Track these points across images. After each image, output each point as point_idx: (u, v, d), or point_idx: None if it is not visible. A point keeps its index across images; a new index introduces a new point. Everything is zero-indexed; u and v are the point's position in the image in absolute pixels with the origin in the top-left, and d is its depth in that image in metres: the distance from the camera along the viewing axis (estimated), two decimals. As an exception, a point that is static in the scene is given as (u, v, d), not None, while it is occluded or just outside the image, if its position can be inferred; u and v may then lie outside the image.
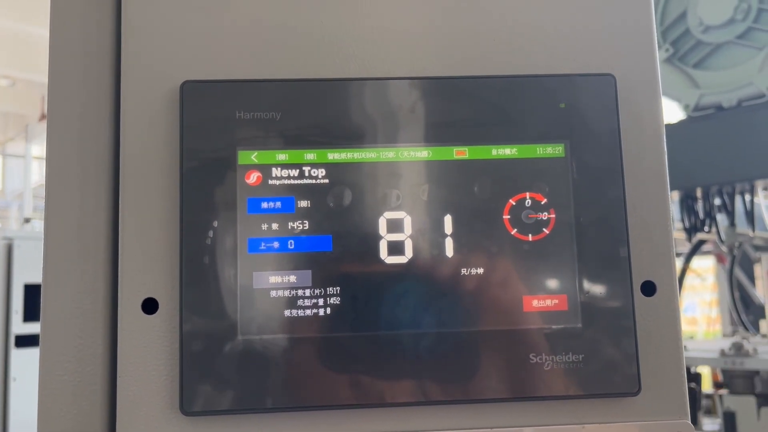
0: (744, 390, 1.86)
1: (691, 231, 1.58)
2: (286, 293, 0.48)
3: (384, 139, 0.50)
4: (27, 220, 4.07)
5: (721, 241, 1.68)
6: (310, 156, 0.50)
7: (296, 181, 0.49)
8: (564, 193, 0.50)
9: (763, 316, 2.78)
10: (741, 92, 1.43)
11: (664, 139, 0.53)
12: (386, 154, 0.50)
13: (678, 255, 2.05)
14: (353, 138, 0.50)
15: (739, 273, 2.79)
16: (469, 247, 0.49)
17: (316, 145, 0.50)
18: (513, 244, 0.50)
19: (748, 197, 1.55)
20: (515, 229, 0.50)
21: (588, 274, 0.50)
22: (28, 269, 2.94)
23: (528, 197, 0.50)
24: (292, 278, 0.48)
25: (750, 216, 1.56)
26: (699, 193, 1.50)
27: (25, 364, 2.89)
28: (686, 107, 1.44)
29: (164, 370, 0.48)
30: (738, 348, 1.90)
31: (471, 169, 0.50)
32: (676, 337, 0.50)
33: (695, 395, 2.01)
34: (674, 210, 1.62)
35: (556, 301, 0.49)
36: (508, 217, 0.50)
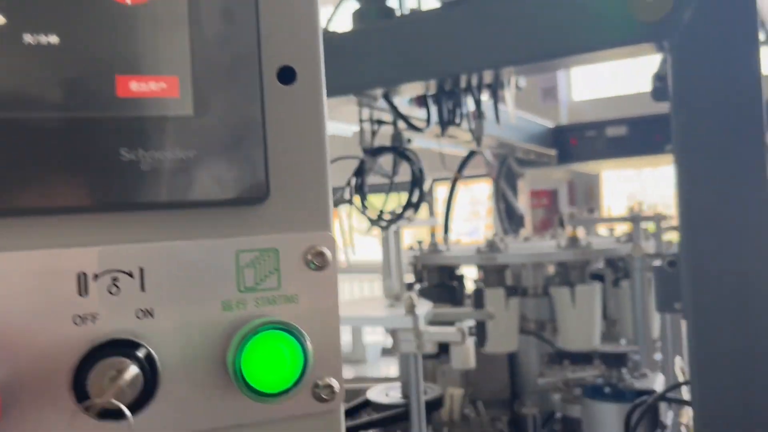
0: (496, 283, 1.95)
1: (442, 125, 1.58)
2: None
3: None
4: None
5: (475, 139, 1.72)
6: None
7: None
8: (175, -57, 0.38)
9: (524, 225, 3.07)
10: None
11: None
12: None
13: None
14: None
15: (504, 187, 2.98)
16: (36, 4, 0.36)
17: None
18: (104, 5, 0.37)
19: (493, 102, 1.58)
20: (106, -14, 0.37)
21: (205, 51, 0.38)
22: None
23: (124, -56, 0.37)
24: None
25: (495, 110, 1.59)
26: (449, 86, 1.49)
27: None
28: (439, -7, 1.40)
29: None
30: (491, 245, 1.98)
31: None
32: (320, 133, 0.41)
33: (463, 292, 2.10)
34: (431, 106, 1.60)
35: (164, 85, 0.38)
36: (95, -32, 0.37)
